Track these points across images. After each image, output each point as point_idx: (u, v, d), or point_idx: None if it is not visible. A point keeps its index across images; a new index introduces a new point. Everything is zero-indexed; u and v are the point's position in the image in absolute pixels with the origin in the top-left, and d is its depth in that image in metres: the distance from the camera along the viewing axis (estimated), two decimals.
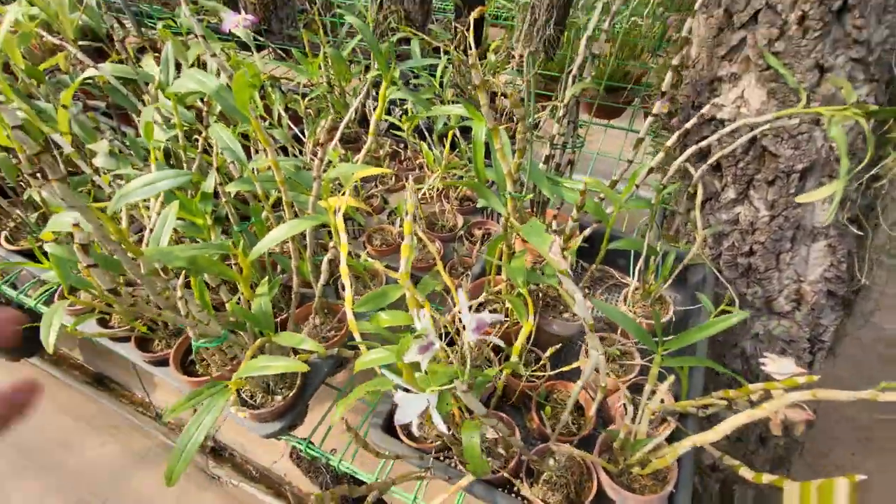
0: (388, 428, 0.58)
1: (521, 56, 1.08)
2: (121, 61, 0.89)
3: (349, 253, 0.64)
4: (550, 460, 0.53)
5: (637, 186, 0.60)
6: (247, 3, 1.41)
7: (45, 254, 0.63)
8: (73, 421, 1.50)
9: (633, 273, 0.67)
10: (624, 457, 0.52)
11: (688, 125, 0.58)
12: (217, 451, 1.45)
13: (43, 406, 1.50)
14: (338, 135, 0.81)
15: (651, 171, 0.59)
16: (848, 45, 0.57)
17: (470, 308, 0.40)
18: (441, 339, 0.54)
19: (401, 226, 0.88)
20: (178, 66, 0.80)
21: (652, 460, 0.48)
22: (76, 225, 0.31)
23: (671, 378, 0.49)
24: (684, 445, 0.45)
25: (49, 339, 0.48)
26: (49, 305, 0.58)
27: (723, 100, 0.69)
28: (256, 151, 0.82)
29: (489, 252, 0.55)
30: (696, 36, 0.71)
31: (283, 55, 1.46)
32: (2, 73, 0.75)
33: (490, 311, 0.65)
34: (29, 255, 0.83)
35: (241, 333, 0.58)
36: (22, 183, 0.87)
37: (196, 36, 0.58)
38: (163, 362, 0.66)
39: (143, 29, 1.47)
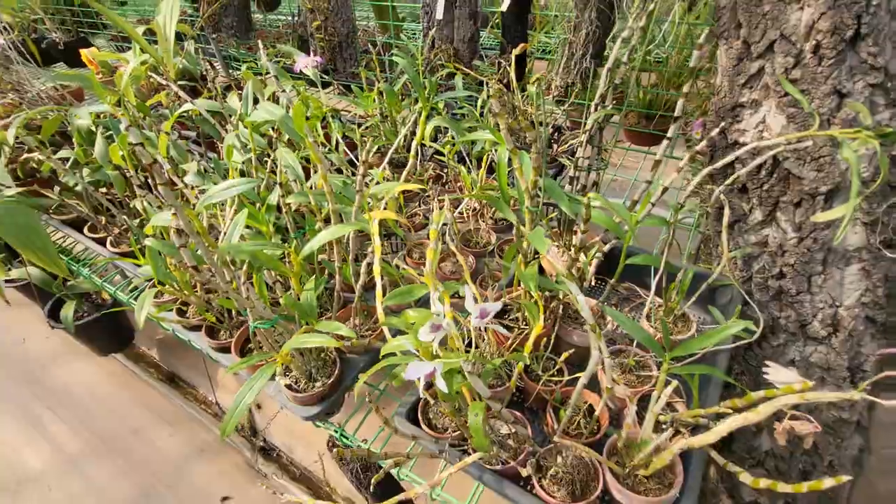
0: (413, 419, 0.64)
1: (558, 87, 1.15)
2: (210, 97, 1.07)
3: (388, 262, 0.73)
4: (558, 457, 0.56)
5: (653, 205, 0.63)
6: (316, 47, 1.60)
7: (143, 254, 0.77)
8: (147, 413, 1.67)
9: (652, 289, 0.69)
10: (630, 458, 0.54)
11: (698, 147, 0.61)
12: (266, 451, 1.56)
13: (123, 396, 1.69)
14: (387, 159, 0.91)
15: (665, 190, 0.63)
16: (865, 71, 0.59)
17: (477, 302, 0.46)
18: (462, 341, 0.60)
19: (441, 241, 0.95)
20: (255, 101, 0.95)
21: (654, 460, 0.50)
22: (175, 213, 0.41)
23: (674, 383, 0.52)
24: (680, 444, 0.47)
25: (141, 316, 0.60)
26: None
27: (745, 125, 0.71)
28: (315, 172, 0.94)
29: (506, 259, 0.61)
30: (720, 65, 0.74)
31: (346, 90, 1.63)
32: (123, 107, 0.93)
33: (510, 318, 0.71)
34: (127, 256, 0.99)
35: (291, 325, 0.67)
36: (128, 196, 1.05)
37: (271, 75, 0.71)
38: (226, 350, 0.77)
39: (230, 70, 1.70)
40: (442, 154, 1.11)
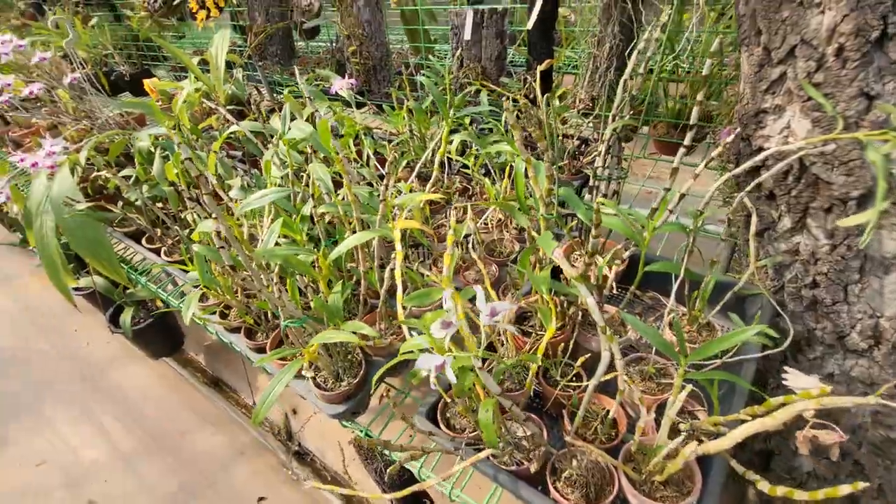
0: (432, 419, 0.67)
1: (583, 101, 1.16)
2: (254, 120, 1.15)
3: (412, 269, 0.76)
4: (573, 460, 0.56)
5: (670, 212, 0.64)
6: (352, 70, 1.69)
7: (191, 261, 0.84)
8: (193, 414, 1.78)
9: (672, 296, 0.69)
10: (645, 463, 0.54)
11: (714, 153, 0.61)
12: (300, 455, 1.61)
13: (173, 398, 1.80)
14: (415, 173, 0.95)
15: (683, 197, 0.63)
16: (895, 72, 0.57)
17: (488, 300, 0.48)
18: (480, 345, 0.62)
19: (465, 251, 0.98)
20: (293, 120, 1.02)
21: (668, 466, 0.50)
22: (216, 218, 0.47)
23: (689, 387, 0.51)
24: (691, 448, 0.47)
25: (187, 315, 0.66)
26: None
27: (769, 131, 0.70)
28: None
29: (521, 264, 0.63)
30: (742, 72, 0.74)
31: (380, 110, 1.71)
32: (178, 130, 1.02)
33: (529, 324, 0.72)
34: (178, 263, 1.08)
35: (320, 326, 0.72)
36: (180, 210, 1.15)
37: (308, 98, 0.77)
38: (262, 350, 0.82)
39: (274, 94, 1.83)
40: (468, 167, 1.14)
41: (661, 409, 0.62)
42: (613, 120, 0.73)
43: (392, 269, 0.71)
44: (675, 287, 0.66)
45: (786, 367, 0.48)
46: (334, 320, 0.65)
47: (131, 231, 1.22)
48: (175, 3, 1.90)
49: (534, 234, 0.58)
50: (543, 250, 0.46)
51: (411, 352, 0.53)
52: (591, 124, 1.24)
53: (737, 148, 0.79)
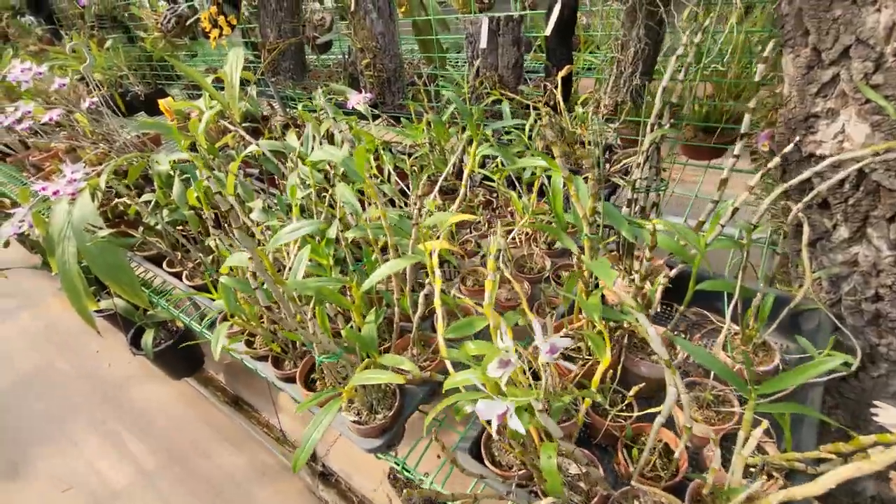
0: (476, 455, 0.63)
1: (607, 106, 1.13)
2: (271, 138, 1.14)
3: (444, 291, 0.73)
4: (635, 501, 0.52)
5: (722, 226, 0.60)
6: (366, 83, 1.67)
7: (215, 287, 0.82)
8: (213, 433, 1.76)
9: (727, 315, 0.65)
10: None
11: (771, 164, 0.57)
12: (325, 476, 1.58)
13: (192, 416, 1.79)
14: (437, 188, 0.92)
15: (736, 211, 0.59)
16: None
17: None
18: (525, 373, 0.58)
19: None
20: (313, 138, 1.00)
21: None
22: (250, 258, 0.44)
23: (764, 423, 0.47)
24: (780, 497, 0.42)
25: (217, 349, 0.63)
26: (210, 330, 0.75)
27: (822, 136, 0.66)
28: (369, 204, 0.96)
29: (566, 289, 0.59)
30: (786, 75, 0.70)
31: (394, 122, 1.69)
32: (196, 151, 1.01)
33: (572, 348, 0.68)
34: (200, 289, 1.06)
35: (353, 357, 0.69)
36: (200, 233, 1.13)
37: (326, 114, 0.74)
38: (290, 379, 0.79)
39: (287, 109, 1.82)
40: (491, 179, 1.11)
41: (723, 441, 0.58)
42: (652, 129, 0.69)
43: (426, 295, 0.68)
44: (729, 307, 0.62)
45: (876, 402, 0.43)
46: (368, 351, 0.62)
47: (152, 255, 1.21)
48: (188, 23, 1.91)
49: (584, 259, 0.55)
50: (602, 280, 0.42)
51: (458, 390, 0.50)
52: (615, 131, 1.20)
53: (785, 155, 0.74)
